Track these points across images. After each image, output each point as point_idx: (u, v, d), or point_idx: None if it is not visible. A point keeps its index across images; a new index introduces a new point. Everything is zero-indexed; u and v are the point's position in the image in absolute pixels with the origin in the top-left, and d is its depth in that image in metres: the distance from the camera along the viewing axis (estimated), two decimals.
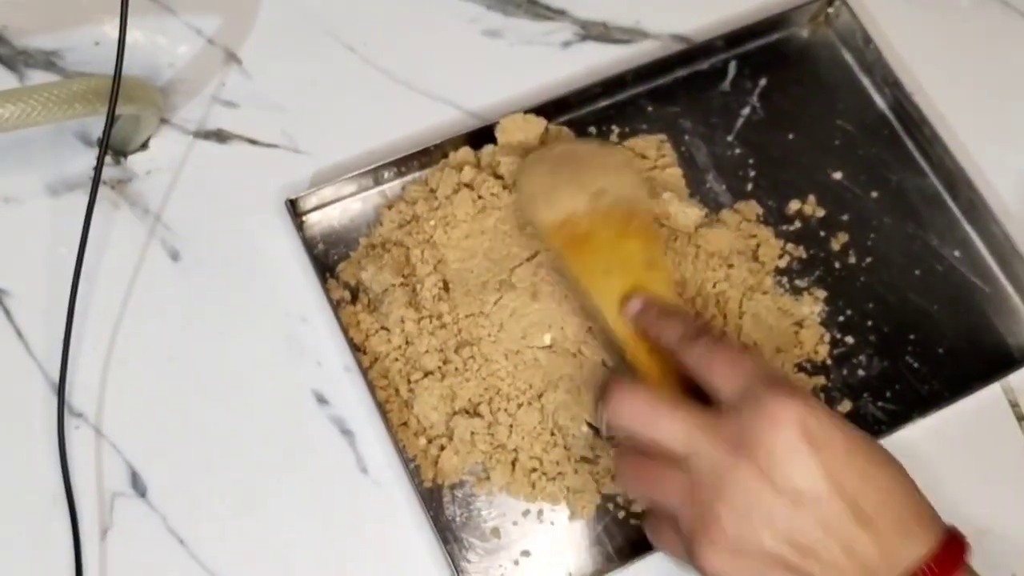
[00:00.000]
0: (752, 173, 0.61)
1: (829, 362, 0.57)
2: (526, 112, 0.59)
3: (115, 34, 0.50)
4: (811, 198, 0.61)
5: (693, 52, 0.63)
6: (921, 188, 0.62)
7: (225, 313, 0.56)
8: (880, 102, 0.64)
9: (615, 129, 0.62)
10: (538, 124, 0.59)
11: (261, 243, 0.58)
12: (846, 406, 0.56)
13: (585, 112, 0.62)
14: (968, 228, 0.61)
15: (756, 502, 0.39)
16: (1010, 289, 0.60)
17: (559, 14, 0.65)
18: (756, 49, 0.64)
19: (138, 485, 0.53)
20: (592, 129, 0.61)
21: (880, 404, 0.57)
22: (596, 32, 0.65)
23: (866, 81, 0.64)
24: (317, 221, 0.59)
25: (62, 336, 0.52)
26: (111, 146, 0.59)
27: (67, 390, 0.53)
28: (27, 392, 0.54)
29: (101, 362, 0.55)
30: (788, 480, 0.39)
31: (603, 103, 0.62)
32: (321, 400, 0.55)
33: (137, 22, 0.62)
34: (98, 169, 0.52)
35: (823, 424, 0.40)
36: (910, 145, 0.63)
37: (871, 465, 0.40)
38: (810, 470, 0.39)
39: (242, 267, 0.57)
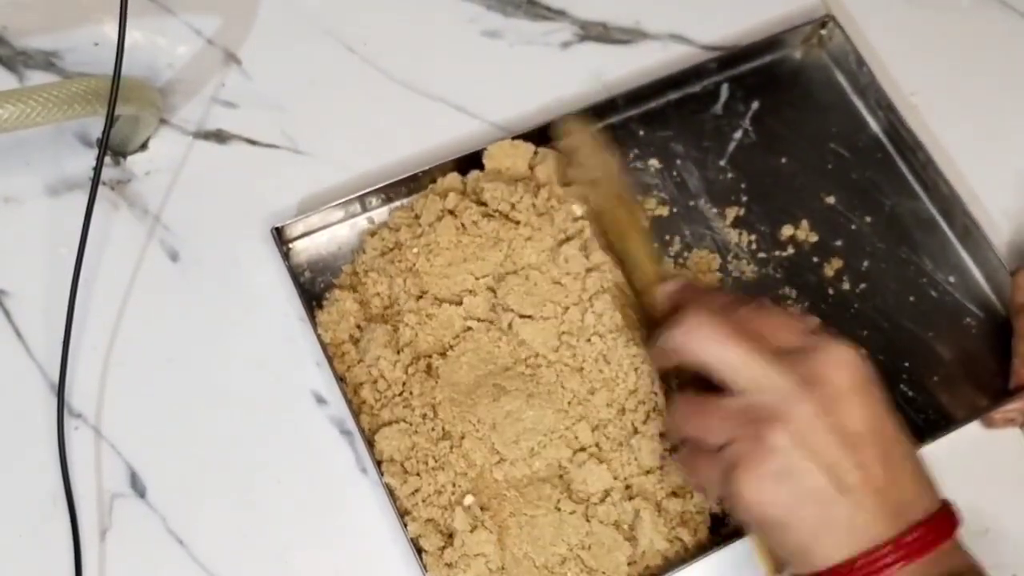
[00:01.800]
0: (744, 198, 0.61)
1: None
2: (514, 138, 0.58)
3: (115, 35, 0.50)
4: (804, 223, 0.60)
5: (685, 75, 0.62)
6: (915, 212, 0.61)
7: (224, 313, 0.56)
8: (873, 125, 0.63)
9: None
10: (526, 150, 0.58)
11: (260, 243, 0.58)
12: None
13: None
14: (963, 253, 0.60)
15: (811, 435, 0.42)
16: (1005, 315, 0.59)
17: (559, 14, 0.65)
18: (749, 71, 0.64)
19: (137, 486, 0.53)
20: None
21: None
22: (596, 32, 0.65)
23: (859, 103, 0.64)
24: (304, 248, 0.58)
25: (62, 337, 0.52)
26: (110, 147, 0.59)
27: (67, 391, 0.53)
28: (27, 392, 0.54)
29: (100, 362, 0.55)
30: (841, 419, 0.42)
31: (594, 126, 0.61)
32: (320, 400, 0.55)
33: (136, 22, 0.62)
34: (97, 169, 0.52)
35: (872, 376, 0.44)
36: (904, 168, 0.62)
37: (898, 424, 0.44)
38: (862, 413, 0.43)
39: (241, 267, 0.57)
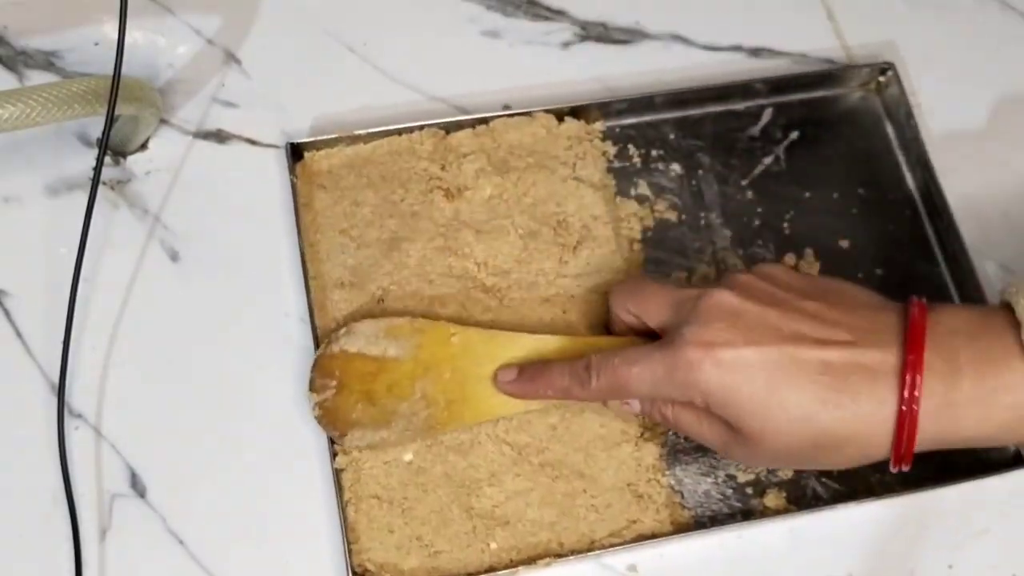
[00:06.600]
0: (757, 222, 0.60)
1: None
2: (546, 111, 0.60)
3: (115, 34, 0.50)
4: (809, 256, 0.59)
5: (731, 90, 0.62)
6: (929, 277, 0.59)
7: (224, 314, 0.56)
8: (910, 182, 0.62)
9: (631, 149, 0.61)
10: (547, 120, 0.60)
11: (261, 243, 0.58)
12: (787, 472, 0.54)
13: (608, 126, 0.61)
14: None
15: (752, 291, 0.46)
16: None
17: (559, 14, 0.65)
18: (796, 102, 0.63)
19: (137, 486, 0.53)
20: (609, 143, 0.61)
21: (824, 480, 0.54)
22: (596, 32, 0.65)
23: (901, 158, 0.62)
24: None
25: (62, 336, 0.52)
26: (110, 146, 0.59)
27: (67, 390, 0.53)
28: (27, 392, 0.54)
29: (101, 362, 0.55)
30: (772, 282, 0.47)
31: (627, 120, 0.61)
32: None
33: (136, 22, 0.62)
34: (97, 169, 0.52)
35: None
36: (929, 231, 0.60)
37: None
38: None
39: (241, 268, 0.57)
